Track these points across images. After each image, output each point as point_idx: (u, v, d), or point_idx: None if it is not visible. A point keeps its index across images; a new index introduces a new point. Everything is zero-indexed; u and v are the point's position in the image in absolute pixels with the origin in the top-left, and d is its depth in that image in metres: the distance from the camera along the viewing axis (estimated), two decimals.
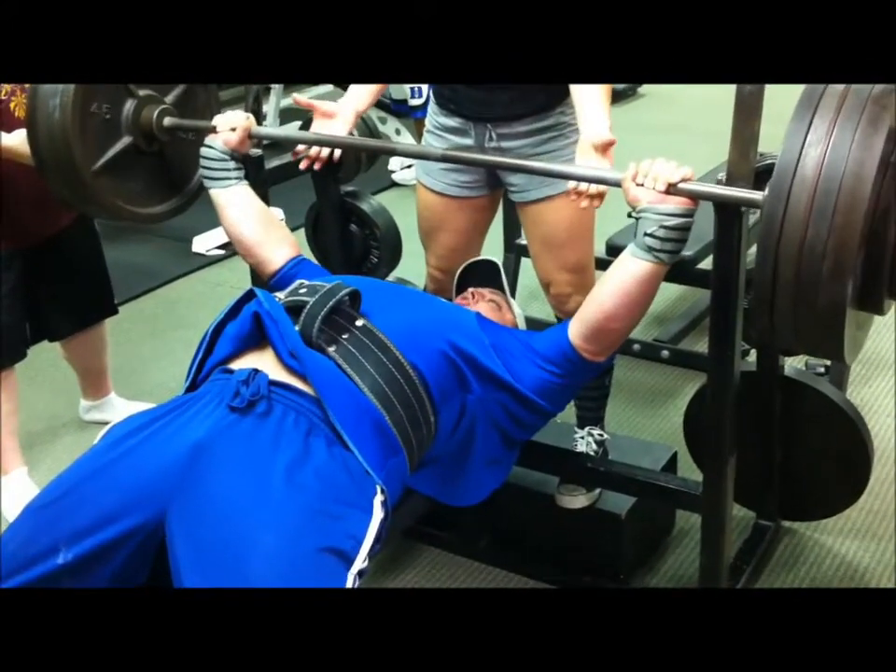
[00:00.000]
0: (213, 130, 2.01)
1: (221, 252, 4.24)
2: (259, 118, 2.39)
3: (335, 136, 2.02)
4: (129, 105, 2.07)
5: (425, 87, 4.81)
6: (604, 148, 1.75)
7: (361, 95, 2.09)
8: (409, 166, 5.19)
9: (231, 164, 2.01)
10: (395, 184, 5.08)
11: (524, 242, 3.32)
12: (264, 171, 2.35)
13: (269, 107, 5.90)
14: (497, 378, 1.77)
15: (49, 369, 3.19)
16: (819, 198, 1.29)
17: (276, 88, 6.01)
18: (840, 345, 1.38)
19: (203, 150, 2.01)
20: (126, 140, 2.08)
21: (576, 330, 1.76)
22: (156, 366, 3.33)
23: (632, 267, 1.64)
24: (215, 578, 1.34)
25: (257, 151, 2.31)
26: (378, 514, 1.50)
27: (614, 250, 3.10)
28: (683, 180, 1.58)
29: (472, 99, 2.06)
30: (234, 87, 6.41)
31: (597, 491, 2.19)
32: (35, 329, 2.64)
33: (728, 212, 1.64)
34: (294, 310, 1.67)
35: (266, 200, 2.35)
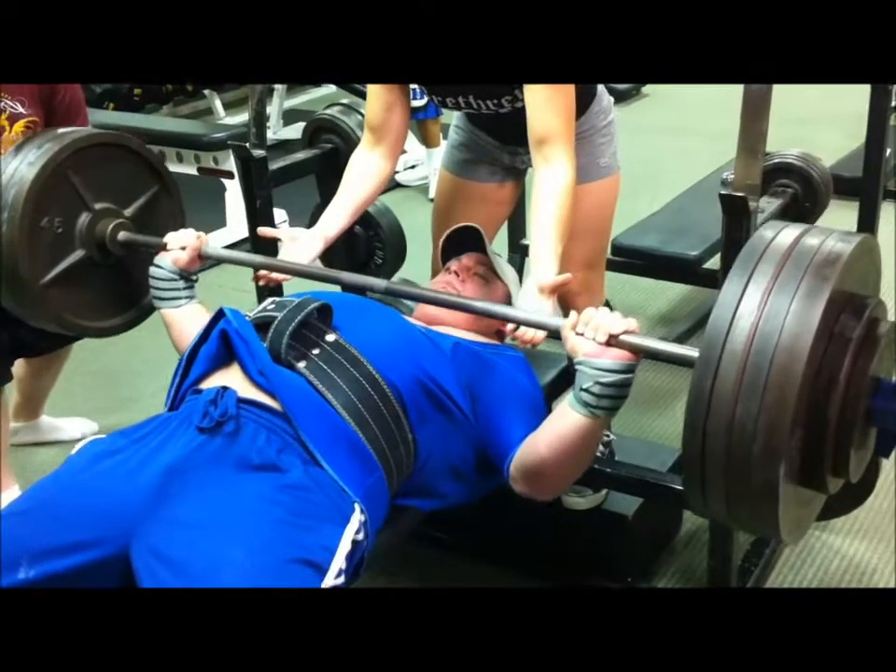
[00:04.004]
0: (164, 247, 1.94)
1: None
2: (264, 119, 2.36)
3: (282, 262, 1.94)
4: (83, 219, 1.98)
5: None
6: (550, 291, 1.71)
7: (332, 222, 2.02)
8: (412, 167, 5.20)
9: (181, 284, 1.93)
10: (399, 185, 5.07)
11: (528, 243, 3.34)
12: (268, 172, 2.35)
13: (272, 109, 5.91)
14: (468, 417, 1.72)
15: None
16: (750, 373, 1.17)
17: (279, 89, 6.02)
18: (776, 527, 1.26)
19: (152, 270, 1.94)
20: (79, 254, 2.00)
21: (516, 462, 1.67)
22: (157, 369, 3.29)
23: (568, 419, 1.53)
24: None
25: (261, 153, 2.31)
26: (353, 528, 1.47)
27: (620, 250, 3.10)
28: (626, 332, 1.46)
29: (502, 131, 2.12)
30: (237, 88, 6.43)
31: (604, 492, 2.17)
32: (14, 347, 2.52)
33: (736, 210, 1.63)
34: (263, 327, 1.63)
35: (269, 201, 2.35)
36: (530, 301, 1.71)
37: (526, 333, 1.66)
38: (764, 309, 1.19)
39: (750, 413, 1.17)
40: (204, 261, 1.96)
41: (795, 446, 1.21)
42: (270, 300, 1.77)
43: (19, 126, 2.27)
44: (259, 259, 2.02)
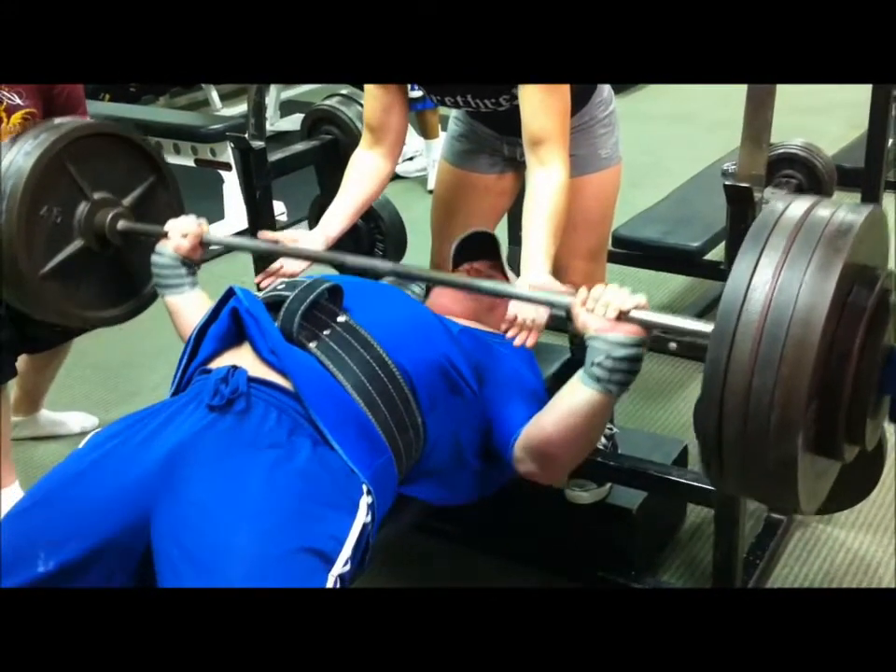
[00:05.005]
0: (165, 235, 1.93)
1: None
2: (263, 110, 2.34)
3: (284, 247, 1.92)
4: (82, 208, 1.97)
5: None
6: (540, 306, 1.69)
7: (333, 222, 2.01)
8: (410, 158, 5.18)
9: (184, 270, 1.92)
10: (397, 176, 5.05)
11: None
12: (267, 164, 2.33)
13: (269, 101, 5.88)
14: (477, 396, 1.71)
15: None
16: (765, 345, 1.17)
17: None
18: (795, 498, 1.26)
19: (154, 258, 1.93)
20: (78, 244, 1.98)
21: (521, 442, 1.66)
22: (159, 360, 3.29)
23: (578, 394, 1.54)
24: (190, 580, 1.31)
25: (260, 145, 2.29)
26: (362, 515, 1.46)
27: (621, 242, 3.09)
28: (636, 308, 1.47)
29: (501, 126, 2.10)
30: None
31: (608, 486, 2.16)
32: (19, 343, 2.51)
33: (741, 200, 1.62)
34: (273, 306, 1.63)
35: (268, 193, 2.34)
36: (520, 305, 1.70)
37: (520, 335, 1.66)
38: (778, 281, 1.19)
39: (767, 386, 1.17)
40: (206, 248, 1.96)
41: (810, 417, 1.21)
42: (279, 280, 1.76)
43: (16, 117, 2.26)
44: (261, 244, 2.01)
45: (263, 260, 2.15)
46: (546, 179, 1.80)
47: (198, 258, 1.94)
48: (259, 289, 2.01)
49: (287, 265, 1.96)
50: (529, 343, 1.68)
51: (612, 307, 1.47)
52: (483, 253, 2.05)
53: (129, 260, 2.08)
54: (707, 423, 1.24)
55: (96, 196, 1.99)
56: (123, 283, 2.11)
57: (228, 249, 4.13)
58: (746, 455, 1.22)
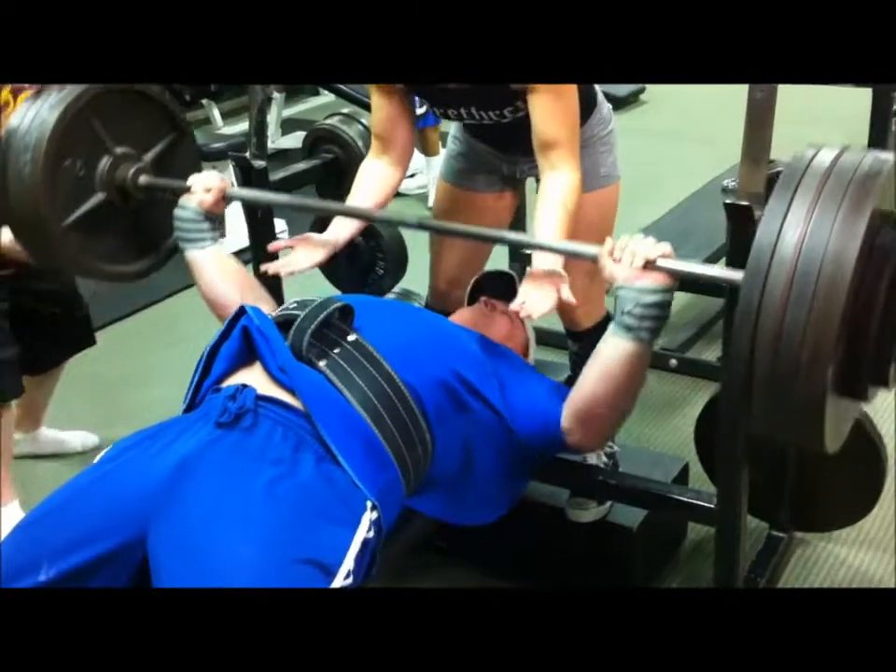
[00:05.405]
0: (188, 190, 1.96)
1: None
2: (264, 128, 2.35)
3: (309, 202, 1.96)
4: (104, 162, 2.00)
5: None
6: (552, 281, 1.71)
7: (343, 226, 2.02)
8: (411, 175, 5.18)
9: (206, 225, 1.95)
10: (398, 194, 5.04)
11: (529, 252, 3.32)
12: (268, 182, 2.33)
13: (270, 118, 5.90)
14: (495, 408, 1.74)
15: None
16: (798, 283, 1.21)
17: (278, 98, 6.02)
18: (821, 436, 1.30)
19: (177, 212, 1.96)
20: (100, 197, 2.01)
21: (567, 411, 1.72)
22: (159, 379, 3.30)
23: (612, 347, 1.60)
24: (187, 585, 1.33)
25: (261, 164, 2.29)
26: (364, 528, 1.48)
27: None
28: (662, 256, 1.53)
29: (503, 141, 2.11)
30: (236, 98, 6.43)
31: (608, 504, 2.16)
32: (25, 360, 2.51)
33: (741, 219, 1.62)
34: (284, 325, 1.65)
35: (270, 212, 2.34)
36: (533, 290, 1.72)
37: (527, 307, 1.68)
38: (811, 220, 1.22)
39: (799, 323, 1.21)
40: (229, 203, 1.99)
41: (838, 357, 1.24)
42: (292, 300, 1.79)
43: (23, 98, 2.26)
44: (284, 198, 2.04)
45: (267, 259, 2.16)
46: (557, 181, 1.83)
47: (221, 212, 1.97)
48: (261, 277, 2.03)
49: (296, 260, 1.95)
50: (536, 314, 1.68)
51: (639, 256, 1.53)
52: (499, 292, 2.09)
53: (148, 216, 2.11)
54: (738, 363, 1.27)
55: (118, 151, 2.02)
56: (143, 238, 2.14)
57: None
58: (775, 392, 1.26)
